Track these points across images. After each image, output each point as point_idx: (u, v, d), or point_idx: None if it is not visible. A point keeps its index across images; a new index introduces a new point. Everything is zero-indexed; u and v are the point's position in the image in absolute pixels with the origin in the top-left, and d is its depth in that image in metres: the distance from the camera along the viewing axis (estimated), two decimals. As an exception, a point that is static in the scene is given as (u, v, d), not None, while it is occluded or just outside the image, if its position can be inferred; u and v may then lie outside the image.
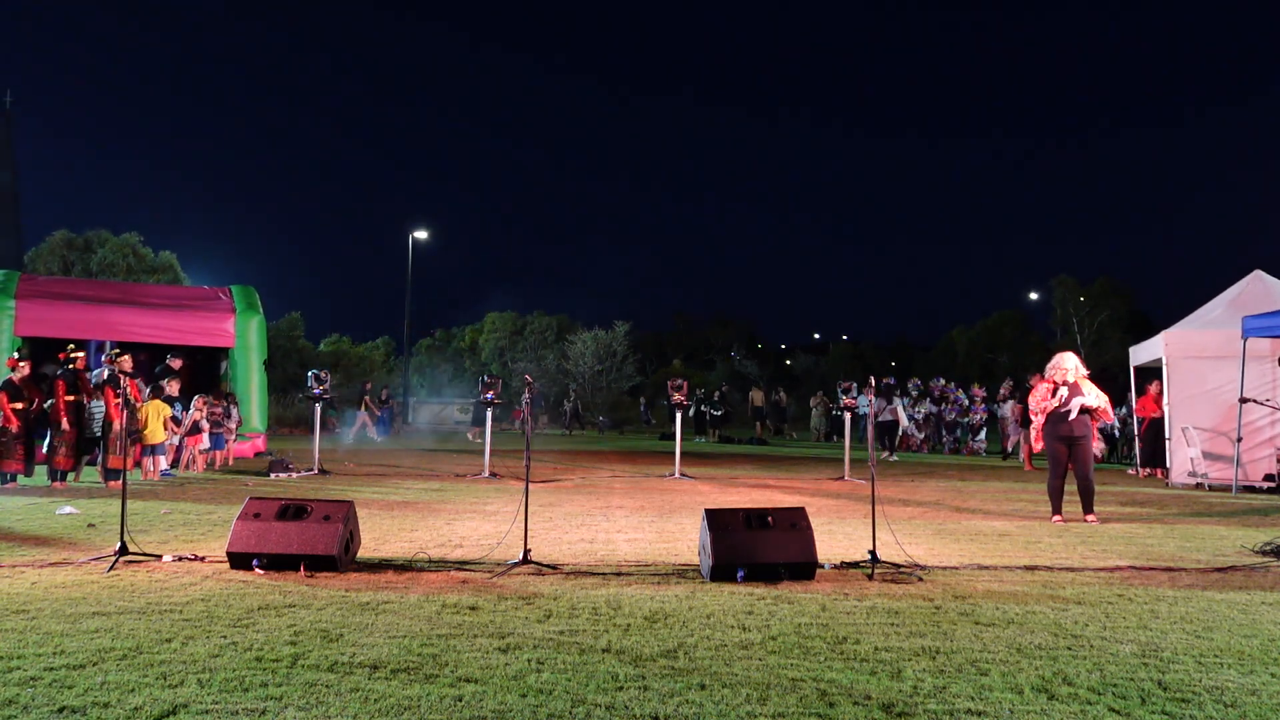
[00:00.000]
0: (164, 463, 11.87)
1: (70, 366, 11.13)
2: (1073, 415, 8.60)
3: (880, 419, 17.76)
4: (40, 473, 11.08)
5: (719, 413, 26.32)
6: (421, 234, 32.78)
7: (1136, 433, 15.20)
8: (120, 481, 10.72)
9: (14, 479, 10.54)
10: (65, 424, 10.69)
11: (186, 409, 12.64)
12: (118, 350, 11.73)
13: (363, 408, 23.16)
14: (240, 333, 15.41)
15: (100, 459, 11.10)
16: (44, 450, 10.99)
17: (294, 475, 12.09)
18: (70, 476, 10.94)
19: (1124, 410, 17.65)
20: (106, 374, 11.32)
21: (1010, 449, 18.42)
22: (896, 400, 18.92)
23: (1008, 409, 18.85)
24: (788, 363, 58.01)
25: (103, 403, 11.06)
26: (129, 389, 11.14)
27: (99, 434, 11.13)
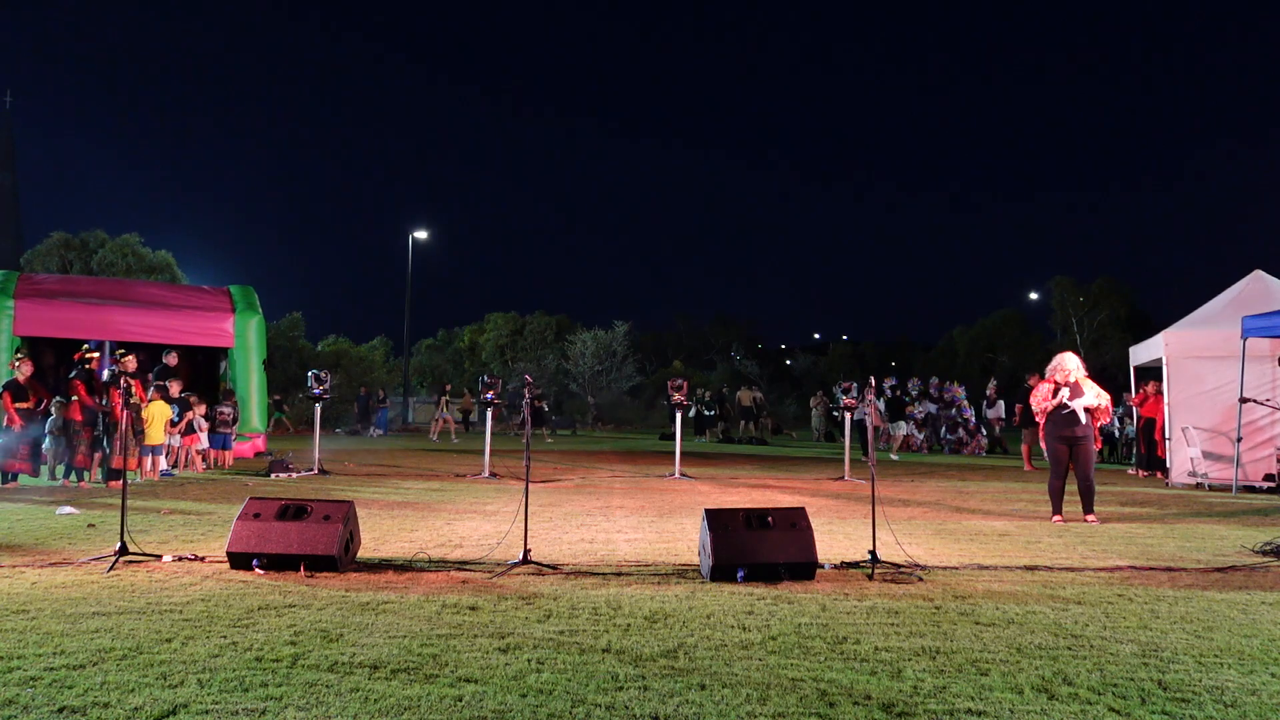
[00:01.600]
0: (164, 463, 11.87)
1: (86, 367, 11.13)
2: (1083, 419, 8.59)
3: (857, 419, 17.72)
4: (43, 472, 11.09)
5: (711, 413, 26.36)
6: (421, 234, 32.80)
7: (1135, 432, 15.25)
8: (121, 481, 10.79)
9: (15, 478, 10.55)
10: (118, 422, 10.65)
11: (185, 408, 12.65)
12: (122, 350, 11.75)
13: (442, 407, 23.96)
14: (239, 332, 15.40)
15: (103, 459, 11.10)
16: (44, 451, 10.99)
17: (294, 475, 12.09)
18: (86, 475, 10.90)
19: (1121, 410, 17.69)
20: (107, 374, 11.33)
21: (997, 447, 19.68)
22: (872, 400, 18.82)
23: (998, 409, 19.68)
24: (788, 363, 57.99)
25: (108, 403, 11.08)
26: (134, 389, 11.19)
27: (103, 434, 11.13)
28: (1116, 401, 16.27)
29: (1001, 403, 20.92)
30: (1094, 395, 8.69)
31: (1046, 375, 8.93)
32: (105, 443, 11.03)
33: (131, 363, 11.32)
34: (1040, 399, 8.90)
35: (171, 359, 13.34)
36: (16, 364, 11.11)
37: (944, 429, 20.92)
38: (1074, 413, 8.62)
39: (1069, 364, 8.78)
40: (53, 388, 11.95)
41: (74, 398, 10.85)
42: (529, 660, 3.81)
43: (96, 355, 11.33)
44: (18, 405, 10.65)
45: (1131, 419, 16.60)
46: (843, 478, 12.87)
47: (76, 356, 11.37)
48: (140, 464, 11.40)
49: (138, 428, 11.16)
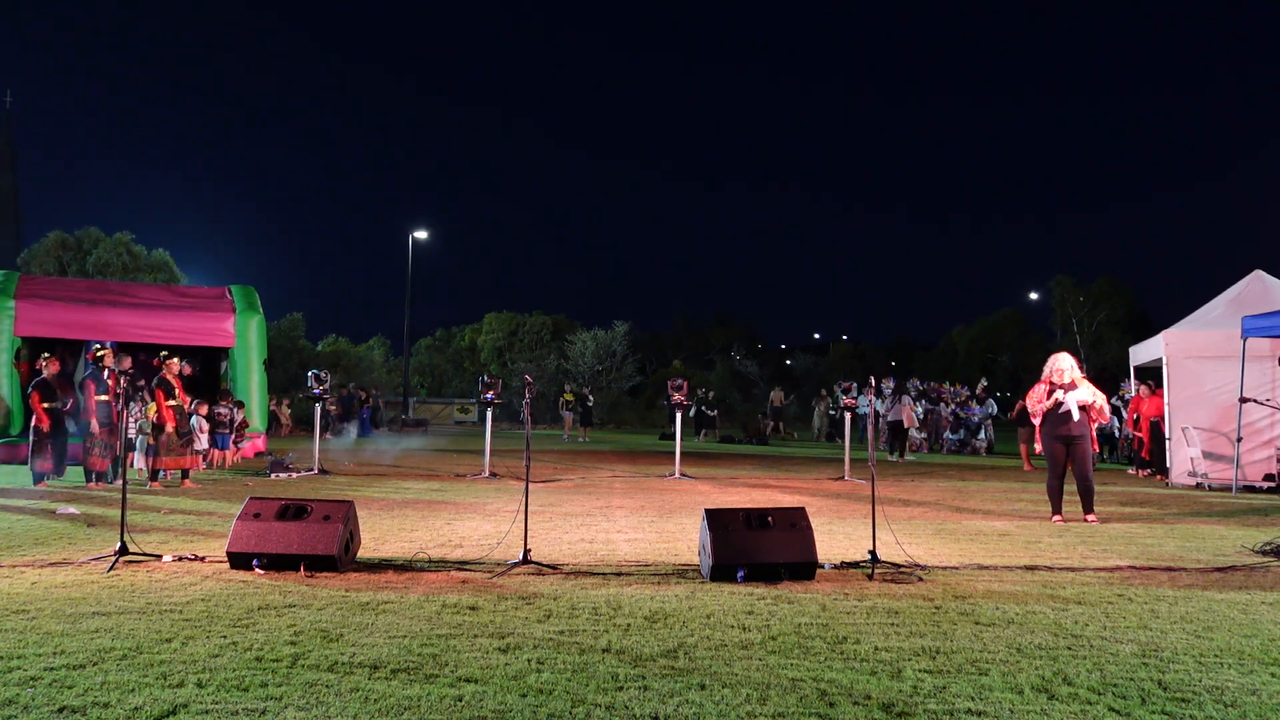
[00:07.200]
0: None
1: (98, 366, 11.13)
2: (1075, 416, 8.60)
3: (890, 419, 17.69)
4: (72, 473, 11.13)
5: (713, 413, 26.46)
6: (421, 234, 32.80)
7: (1133, 432, 15.27)
8: (159, 481, 10.84)
9: (43, 478, 10.56)
10: (95, 425, 10.66)
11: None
12: (165, 353, 11.78)
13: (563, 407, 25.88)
14: (240, 333, 15.40)
15: (149, 461, 11.12)
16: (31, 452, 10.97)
17: (294, 475, 12.09)
18: (107, 476, 10.83)
19: (1117, 423, 17.71)
20: (155, 378, 11.37)
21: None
22: (905, 399, 18.65)
23: (988, 409, 20.30)
24: (788, 363, 57.93)
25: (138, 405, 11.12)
26: (177, 391, 11.22)
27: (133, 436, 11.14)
28: (1112, 398, 16.36)
29: (992, 401, 21.19)
30: (1089, 393, 8.70)
31: (1042, 376, 8.95)
32: (153, 446, 11.05)
33: (175, 365, 11.37)
34: (1035, 400, 8.91)
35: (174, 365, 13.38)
36: (44, 362, 11.11)
37: (946, 430, 20.97)
38: (1070, 412, 8.62)
39: (1064, 364, 8.80)
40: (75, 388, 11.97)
41: (101, 396, 10.78)
42: (529, 660, 3.81)
43: (107, 353, 11.30)
44: (46, 404, 10.66)
45: (1125, 418, 16.62)
46: (843, 478, 12.87)
47: (90, 357, 11.37)
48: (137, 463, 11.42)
49: (183, 428, 11.21)
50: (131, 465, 11.28)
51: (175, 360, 11.53)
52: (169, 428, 10.97)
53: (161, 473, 11.10)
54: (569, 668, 3.71)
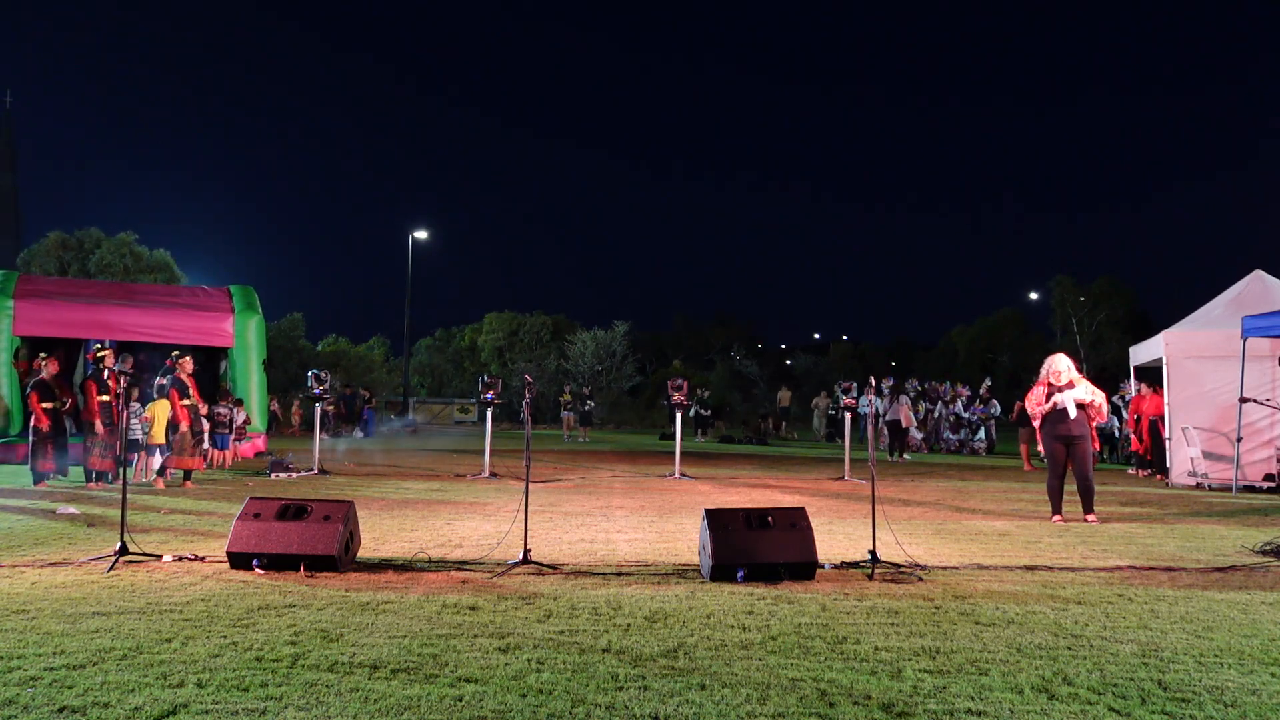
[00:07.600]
0: (157, 462, 11.84)
1: (99, 367, 11.10)
2: (1072, 414, 8.60)
3: (887, 419, 17.70)
4: (74, 473, 11.12)
5: (707, 412, 26.50)
6: (421, 234, 32.81)
7: (1132, 434, 15.27)
8: (188, 481, 10.84)
9: (43, 478, 10.55)
10: (99, 426, 10.64)
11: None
12: (178, 353, 11.77)
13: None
14: (239, 333, 15.40)
15: (156, 461, 11.12)
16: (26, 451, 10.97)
17: (294, 475, 12.09)
18: (107, 477, 10.78)
19: (1117, 423, 17.72)
20: (167, 379, 11.37)
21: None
22: (903, 399, 18.68)
23: (991, 409, 20.98)
24: (788, 363, 57.91)
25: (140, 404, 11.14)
26: (190, 390, 11.22)
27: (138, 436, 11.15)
28: (1113, 397, 16.35)
29: (995, 402, 21.19)
30: (1087, 391, 8.71)
31: (1040, 378, 8.96)
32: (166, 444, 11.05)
33: (189, 364, 11.36)
34: (1034, 402, 8.91)
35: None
36: (42, 362, 11.09)
37: (946, 429, 20.96)
38: (1067, 410, 8.62)
39: (1061, 365, 8.80)
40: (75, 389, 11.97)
41: (103, 397, 10.73)
42: (529, 660, 3.81)
43: (108, 353, 11.27)
44: (45, 405, 10.64)
45: (1125, 418, 16.62)
46: (843, 478, 12.86)
47: (90, 357, 11.37)
48: (142, 463, 11.40)
49: (196, 428, 11.21)
50: (137, 465, 11.28)
51: (189, 359, 11.53)
52: (183, 427, 10.98)
53: (166, 471, 11.11)
54: (569, 668, 3.72)
